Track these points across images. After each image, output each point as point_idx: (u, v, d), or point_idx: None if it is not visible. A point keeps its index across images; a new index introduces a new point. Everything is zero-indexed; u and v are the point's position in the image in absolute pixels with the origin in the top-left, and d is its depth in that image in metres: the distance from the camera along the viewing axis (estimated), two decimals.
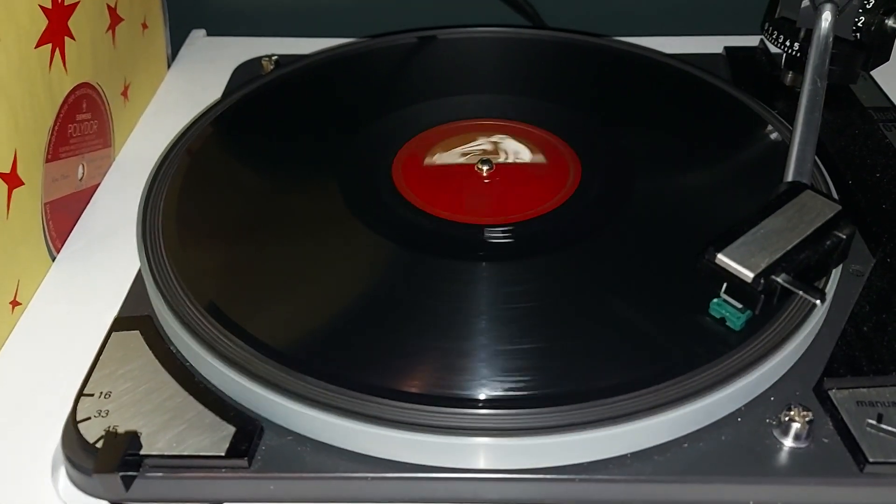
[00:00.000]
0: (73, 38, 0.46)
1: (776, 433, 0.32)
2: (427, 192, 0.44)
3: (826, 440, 0.32)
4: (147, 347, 0.36)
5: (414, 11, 0.69)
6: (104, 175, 0.51)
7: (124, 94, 0.54)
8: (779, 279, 0.33)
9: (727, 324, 0.35)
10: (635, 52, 0.56)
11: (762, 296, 0.33)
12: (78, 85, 0.47)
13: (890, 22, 0.50)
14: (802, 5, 0.51)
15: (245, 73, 0.59)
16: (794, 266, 0.34)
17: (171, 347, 0.36)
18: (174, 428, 0.32)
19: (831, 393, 0.33)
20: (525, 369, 0.33)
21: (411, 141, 0.48)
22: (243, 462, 0.31)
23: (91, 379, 0.35)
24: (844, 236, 0.36)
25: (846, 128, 0.50)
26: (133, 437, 0.32)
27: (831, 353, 0.35)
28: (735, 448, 0.32)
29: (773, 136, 0.47)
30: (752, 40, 0.62)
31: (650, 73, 0.54)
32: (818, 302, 0.34)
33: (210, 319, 0.35)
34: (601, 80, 0.54)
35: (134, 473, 0.31)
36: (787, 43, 0.53)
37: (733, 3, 0.69)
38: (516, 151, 0.46)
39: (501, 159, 0.46)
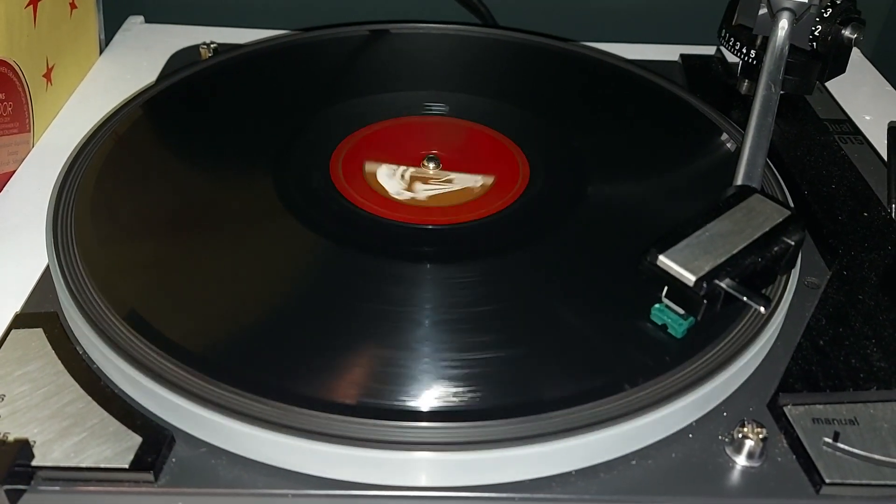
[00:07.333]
0: None
1: (729, 451, 0.30)
2: (367, 190, 0.41)
3: (780, 459, 0.30)
4: (50, 347, 0.33)
5: (363, 6, 0.67)
6: (20, 162, 0.47)
7: (47, 76, 0.50)
8: (722, 284, 0.32)
9: (668, 331, 0.33)
10: (590, 55, 0.55)
11: (704, 301, 0.32)
12: None
13: (846, 32, 0.49)
14: (759, 13, 0.50)
15: (182, 60, 0.56)
16: (739, 271, 0.32)
17: (77, 348, 0.33)
18: (73, 436, 0.29)
19: (786, 409, 0.31)
20: (463, 380, 0.31)
21: (352, 135, 0.45)
22: (149, 476, 0.28)
23: None
24: (793, 242, 0.34)
25: (802, 139, 0.49)
26: (24, 446, 0.28)
27: (786, 367, 0.34)
28: (685, 466, 0.30)
29: (728, 143, 0.46)
30: (708, 50, 0.61)
31: (604, 76, 0.52)
32: (762, 309, 0.32)
33: (118, 317, 0.32)
34: (555, 82, 0.52)
35: (23, 487, 0.28)
36: (744, 50, 0.52)
37: (690, 13, 0.68)
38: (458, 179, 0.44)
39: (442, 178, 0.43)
